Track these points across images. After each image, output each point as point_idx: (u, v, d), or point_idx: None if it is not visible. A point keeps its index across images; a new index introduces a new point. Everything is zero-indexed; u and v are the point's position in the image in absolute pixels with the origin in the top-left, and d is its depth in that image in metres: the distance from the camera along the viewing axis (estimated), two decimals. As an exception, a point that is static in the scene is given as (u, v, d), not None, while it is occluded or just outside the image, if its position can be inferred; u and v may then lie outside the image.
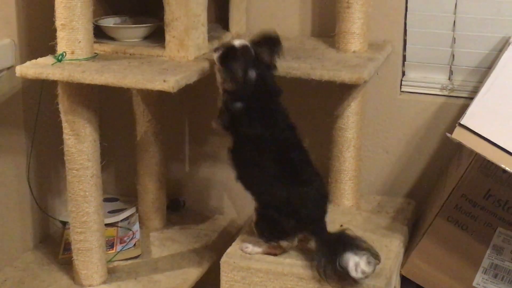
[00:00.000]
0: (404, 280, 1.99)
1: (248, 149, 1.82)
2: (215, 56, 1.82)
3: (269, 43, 1.83)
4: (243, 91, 1.79)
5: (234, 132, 1.83)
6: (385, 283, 1.78)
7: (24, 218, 2.19)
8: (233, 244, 1.94)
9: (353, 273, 1.72)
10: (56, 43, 1.82)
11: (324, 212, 1.86)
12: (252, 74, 1.78)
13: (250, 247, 1.88)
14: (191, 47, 1.88)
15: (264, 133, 1.80)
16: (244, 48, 1.80)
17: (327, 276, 1.76)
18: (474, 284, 1.91)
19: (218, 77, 1.83)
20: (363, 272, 1.72)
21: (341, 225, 1.95)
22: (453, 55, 2.17)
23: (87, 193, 1.90)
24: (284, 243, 1.85)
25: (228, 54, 1.79)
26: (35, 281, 2.03)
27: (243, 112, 1.80)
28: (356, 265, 1.71)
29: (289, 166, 1.82)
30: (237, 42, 1.82)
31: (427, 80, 2.22)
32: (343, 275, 1.74)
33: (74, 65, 1.79)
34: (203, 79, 1.84)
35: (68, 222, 2.05)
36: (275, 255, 1.87)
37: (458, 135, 1.71)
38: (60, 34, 1.81)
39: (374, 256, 1.75)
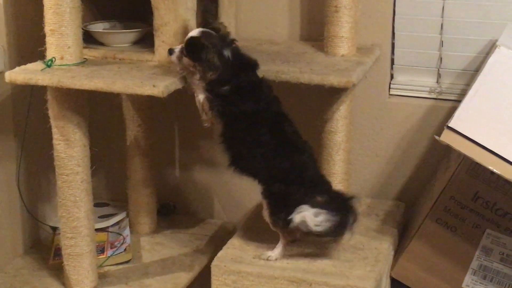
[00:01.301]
0: (394, 282, 2.00)
1: (243, 128, 1.83)
2: (174, 57, 1.79)
3: (207, 12, 1.85)
4: (226, 73, 1.78)
5: (225, 115, 1.82)
6: (374, 285, 1.79)
7: (14, 223, 2.18)
8: (224, 248, 1.95)
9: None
10: (45, 49, 1.83)
11: (322, 175, 1.93)
12: (227, 53, 1.79)
13: (270, 253, 1.88)
14: (180, 52, 1.89)
15: (257, 107, 1.82)
16: (205, 33, 1.80)
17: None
18: (463, 285, 1.93)
19: (195, 75, 1.79)
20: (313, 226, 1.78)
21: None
22: (441, 58, 2.19)
23: (77, 198, 1.90)
24: None
25: (196, 46, 1.76)
26: (26, 286, 2.03)
27: (232, 92, 1.80)
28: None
29: (285, 137, 1.85)
30: (194, 33, 1.80)
31: (416, 83, 2.23)
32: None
33: (64, 71, 1.79)
34: (192, 84, 1.85)
35: (58, 227, 2.05)
36: (294, 241, 1.89)
37: (446, 137, 1.72)
38: (49, 40, 1.81)
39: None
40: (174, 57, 1.80)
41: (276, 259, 1.87)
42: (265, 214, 1.88)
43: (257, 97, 1.83)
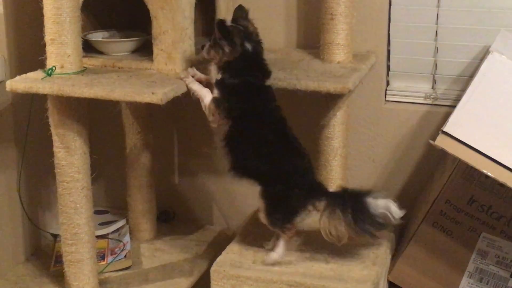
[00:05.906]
0: (391, 286, 2.02)
1: (249, 127, 1.85)
2: (204, 51, 1.85)
3: (240, 13, 1.88)
4: (241, 64, 1.82)
5: (232, 113, 1.84)
6: (372, 288, 1.81)
7: (15, 231, 2.20)
8: (223, 253, 1.96)
9: (395, 214, 1.81)
10: (45, 58, 1.85)
11: (320, 182, 1.95)
12: (249, 46, 1.83)
13: (274, 254, 1.89)
14: (178, 60, 1.91)
15: (265, 107, 1.85)
16: (234, 26, 1.84)
17: (361, 228, 1.81)
18: (460, 288, 1.95)
19: (216, 57, 1.83)
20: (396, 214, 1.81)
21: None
22: (436, 64, 2.21)
23: (77, 205, 1.92)
24: (298, 219, 1.87)
25: (225, 25, 1.81)
26: (27, 293, 2.05)
27: (240, 87, 1.83)
28: (390, 207, 1.80)
29: (288, 141, 1.88)
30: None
31: (411, 89, 2.26)
32: (377, 222, 1.81)
33: (64, 79, 1.81)
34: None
35: (59, 234, 2.06)
36: (291, 238, 1.90)
37: (441, 142, 1.74)
38: (49, 49, 1.83)
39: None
40: (204, 52, 1.85)
41: (280, 260, 1.89)
42: (262, 215, 1.89)
43: (265, 99, 1.86)
